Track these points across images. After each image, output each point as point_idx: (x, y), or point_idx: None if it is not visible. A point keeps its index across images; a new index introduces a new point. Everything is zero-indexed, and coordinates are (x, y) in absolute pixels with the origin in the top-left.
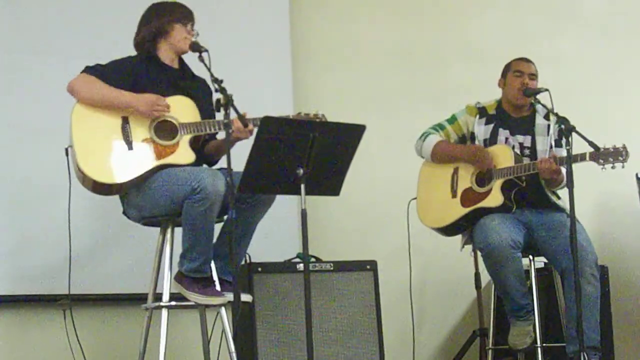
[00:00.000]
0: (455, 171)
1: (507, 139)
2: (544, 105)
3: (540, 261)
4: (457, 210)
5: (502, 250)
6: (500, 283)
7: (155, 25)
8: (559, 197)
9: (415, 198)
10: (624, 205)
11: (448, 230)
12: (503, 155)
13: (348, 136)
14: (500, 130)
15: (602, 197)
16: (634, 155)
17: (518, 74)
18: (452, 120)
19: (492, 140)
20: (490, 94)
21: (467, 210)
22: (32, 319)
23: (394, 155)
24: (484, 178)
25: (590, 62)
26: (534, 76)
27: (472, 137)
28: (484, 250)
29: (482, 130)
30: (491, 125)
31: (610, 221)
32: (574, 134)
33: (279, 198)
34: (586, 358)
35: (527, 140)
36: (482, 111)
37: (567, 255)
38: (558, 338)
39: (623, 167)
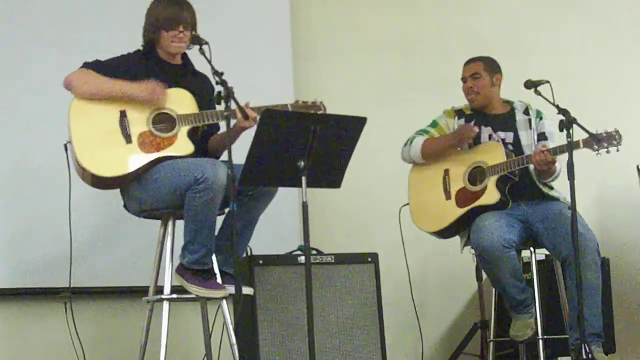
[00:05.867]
0: (446, 173)
1: (490, 135)
2: (544, 97)
3: (542, 254)
4: (453, 212)
5: (495, 251)
6: (497, 282)
7: (147, 29)
8: (552, 188)
9: (407, 204)
10: (625, 198)
11: (445, 233)
12: (494, 152)
13: (349, 129)
14: (483, 127)
15: (603, 190)
16: (634, 146)
17: (463, 80)
18: (434, 124)
19: (476, 138)
20: None
21: (465, 210)
22: (33, 312)
23: (395, 147)
24: (476, 177)
25: (591, 52)
26: (477, 75)
27: None
28: (477, 251)
29: None
30: (472, 124)
31: (611, 213)
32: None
33: (280, 191)
34: (587, 349)
35: (509, 137)
36: (459, 113)
37: (567, 244)
38: (559, 330)
39: (618, 151)
